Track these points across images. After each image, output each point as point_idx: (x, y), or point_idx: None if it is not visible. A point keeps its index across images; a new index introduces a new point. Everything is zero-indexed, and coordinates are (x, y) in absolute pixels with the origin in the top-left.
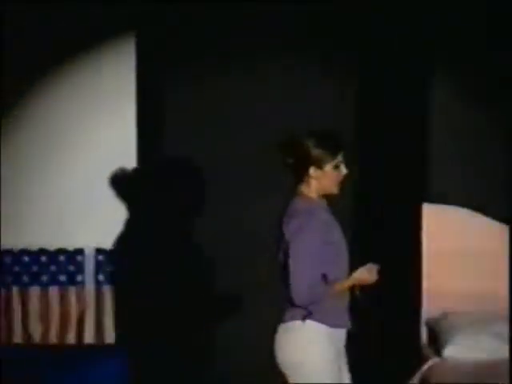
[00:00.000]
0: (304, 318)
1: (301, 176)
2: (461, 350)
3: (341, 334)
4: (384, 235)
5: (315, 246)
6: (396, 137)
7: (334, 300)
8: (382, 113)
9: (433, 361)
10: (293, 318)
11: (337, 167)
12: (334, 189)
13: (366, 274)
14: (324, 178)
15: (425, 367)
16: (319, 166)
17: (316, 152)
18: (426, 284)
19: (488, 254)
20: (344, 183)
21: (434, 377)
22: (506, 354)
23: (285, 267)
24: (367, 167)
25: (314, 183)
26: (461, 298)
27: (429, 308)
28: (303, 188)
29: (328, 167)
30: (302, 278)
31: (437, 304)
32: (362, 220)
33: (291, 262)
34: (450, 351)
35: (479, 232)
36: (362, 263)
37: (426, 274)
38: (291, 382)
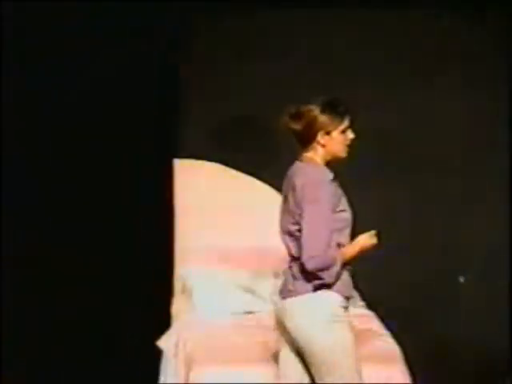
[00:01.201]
0: (316, 289)
1: (308, 143)
2: (210, 303)
3: (347, 305)
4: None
5: (329, 214)
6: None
7: (343, 269)
8: None
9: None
10: (304, 291)
11: (343, 132)
12: (342, 153)
13: (369, 239)
14: (332, 144)
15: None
16: (327, 132)
17: (323, 118)
18: (178, 240)
19: (237, 208)
20: (351, 147)
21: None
22: (255, 308)
23: (291, 235)
24: None
25: (321, 149)
26: (208, 252)
27: (181, 264)
28: (311, 154)
29: (335, 132)
30: (317, 242)
31: (188, 259)
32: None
33: (306, 226)
34: (201, 303)
35: (229, 186)
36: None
37: (179, 229)
38: (308, 358)
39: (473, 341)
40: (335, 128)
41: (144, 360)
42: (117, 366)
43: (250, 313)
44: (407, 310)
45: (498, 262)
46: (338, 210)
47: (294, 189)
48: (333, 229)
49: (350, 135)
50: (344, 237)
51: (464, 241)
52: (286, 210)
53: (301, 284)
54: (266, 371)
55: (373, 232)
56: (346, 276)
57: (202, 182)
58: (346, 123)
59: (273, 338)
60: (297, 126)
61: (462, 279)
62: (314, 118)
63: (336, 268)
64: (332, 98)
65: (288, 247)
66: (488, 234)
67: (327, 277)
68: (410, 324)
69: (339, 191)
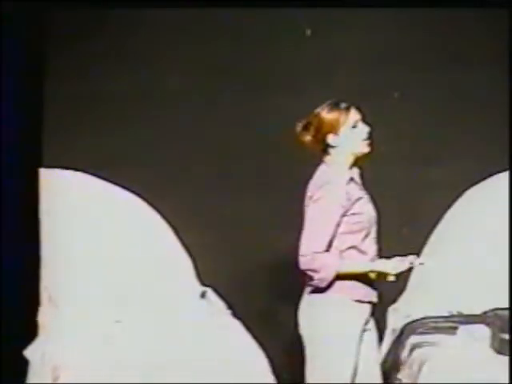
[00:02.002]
0: (314, 291)
1: (324, 149)
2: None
3: (364, 309)
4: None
5: (330, 216)
6: None
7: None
8: None
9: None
10: (313, 292)
11: (354, 127)
12: (361, 148)
13: (389, 265)
14: (346, 142)
15: None
16: (335, 132)
17: (328, 118)
18: (44, 249)
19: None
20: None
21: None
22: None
23: None
24: None
25: (336, 151)
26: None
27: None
28: (328, 158)
29: (344, 129)
30: (308, 243)
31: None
32: None
33: (305, 226)
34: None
35: (91, 195)
36: None
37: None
38: (308, 355)
39: None
40: (343, 125)
41: (10, 370)
42: None
43: (119, 322)
44: (267, 312)
45: None
46: (350, 212)
47: (306, 195)
48: (337, 232)
49: (364, 128)
50: (360, 240)
51: None
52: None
53: (310, 286)
54: (135, 381)
55: (401, 260)
56: (359, 280)
57: (67, 190)
58: (353, 117)
59: (143, 347)
60: (308, 137)
61: None
62: (321, 121)
63: (326, 274)
64: (335, 99)
65: None
66: None
67: (318, 280)
68: (269, 325)
69: (357, 193)
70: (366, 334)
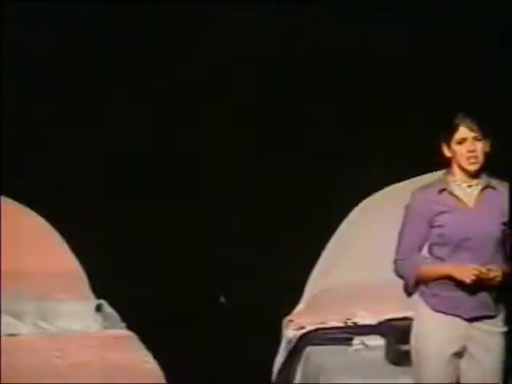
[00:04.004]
0: (408, 294)
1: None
2: None
3: (452, 322)
4: None
5: (410, 224)
6: None
7: (438, 285)
8: None
9: None
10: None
11: (460, 143)
12: (465, 165)
13: (461, 271)
14: (455, 156)
15: None
16: (448, 144)
17: (447, 128)
18: None
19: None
20: (484, 160)
21: None
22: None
23: None
24: None
25: (452, 163)
26: None
27: None
28: (448, 168)
29: (453, 143)
30: (396, 249)
31: None
32: None
33: None
34: None
35: None
36: None
37: None
38: None
39: (233, 359)
40: (450, 139)
41: None
42: None
43: (13, 335)
44: (167, 328)
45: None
46: (434, 224)
47: None
48: (424, 240)
49: (468, 147)
50: (448, 253)
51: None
52: None
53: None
54: None
55: (473, 268)
56: (442, 292)
57: None
58: (460, 134)
59: (40, 360)
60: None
61: (223, 299)
62: (445, 132)
63: (407, 280)
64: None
65: None
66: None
67: (404, 286)
68: (171, 342)
69: (446, 206)
70: (468, 359)
